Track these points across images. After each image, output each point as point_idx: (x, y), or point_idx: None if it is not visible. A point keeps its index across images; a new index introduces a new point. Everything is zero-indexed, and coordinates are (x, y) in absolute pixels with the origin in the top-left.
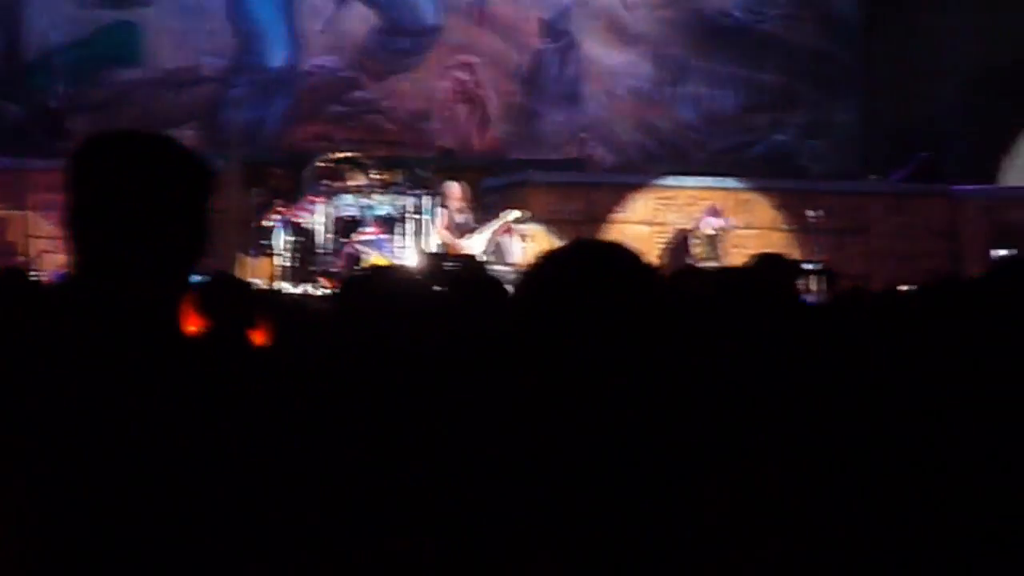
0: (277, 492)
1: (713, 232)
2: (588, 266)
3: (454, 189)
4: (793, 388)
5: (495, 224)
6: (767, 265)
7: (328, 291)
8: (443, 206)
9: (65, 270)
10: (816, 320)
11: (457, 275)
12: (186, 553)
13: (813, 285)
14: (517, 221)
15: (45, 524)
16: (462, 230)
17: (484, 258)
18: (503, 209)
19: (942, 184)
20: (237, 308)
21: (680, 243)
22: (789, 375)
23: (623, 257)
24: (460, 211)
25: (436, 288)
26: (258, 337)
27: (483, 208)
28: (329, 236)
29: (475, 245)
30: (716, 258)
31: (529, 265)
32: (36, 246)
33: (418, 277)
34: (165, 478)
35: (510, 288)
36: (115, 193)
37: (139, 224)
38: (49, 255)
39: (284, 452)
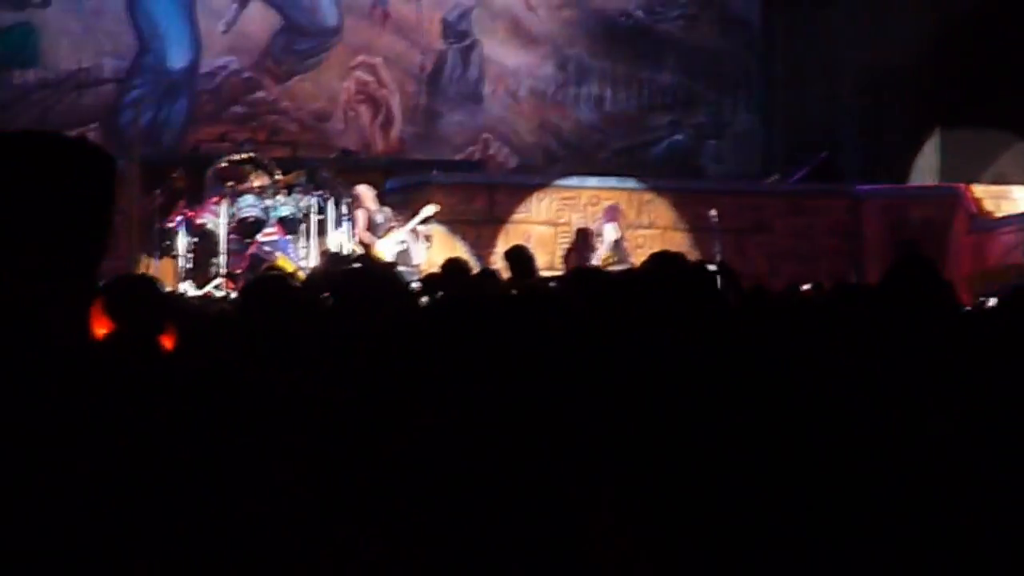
0: (191, 497)
1: (616, 237)
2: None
3: (366, 190)
4: (697, 387)
5: (415, 220)
6: (662, 264)
7: (230, 293)
8: (358, 208)
9: None
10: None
11: (357, 272)
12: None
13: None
14: (432, 217)
15: None
16: (380, 230)
17: (391, 258)
18: (410, 208)
19: (842, 184)
20: (147, 311)
21: (582, 243)
22: (689, 375)
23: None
24: (374, 212)
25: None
26: (167, 341)
27: (387, 208)
28: (232, 237)
29: (388, 244)
30: (623, 260)
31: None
32: None
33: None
34: (71, 482)
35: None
36: (15, 193)
37: (40, 224)
38: None
39: (201, 460)
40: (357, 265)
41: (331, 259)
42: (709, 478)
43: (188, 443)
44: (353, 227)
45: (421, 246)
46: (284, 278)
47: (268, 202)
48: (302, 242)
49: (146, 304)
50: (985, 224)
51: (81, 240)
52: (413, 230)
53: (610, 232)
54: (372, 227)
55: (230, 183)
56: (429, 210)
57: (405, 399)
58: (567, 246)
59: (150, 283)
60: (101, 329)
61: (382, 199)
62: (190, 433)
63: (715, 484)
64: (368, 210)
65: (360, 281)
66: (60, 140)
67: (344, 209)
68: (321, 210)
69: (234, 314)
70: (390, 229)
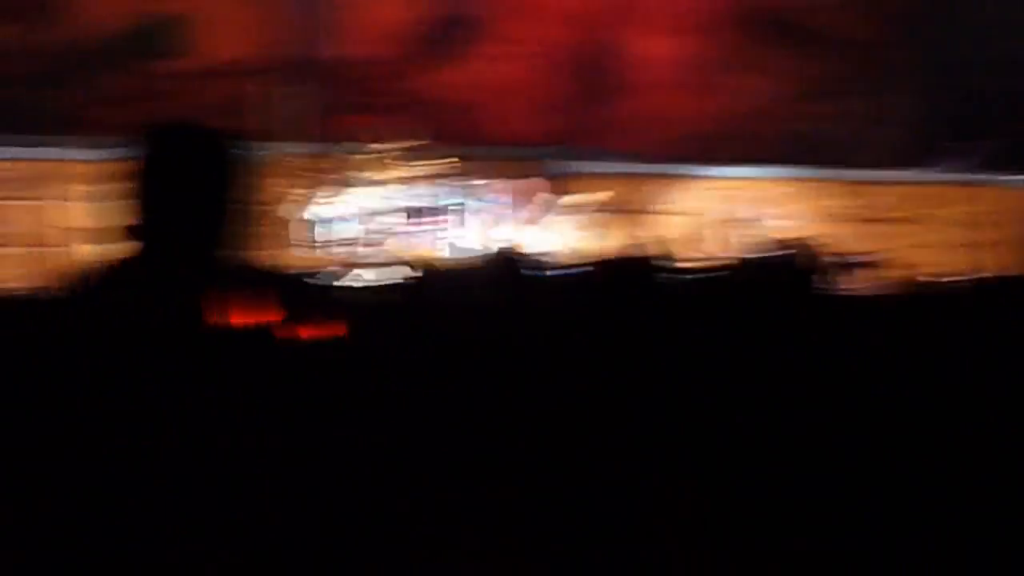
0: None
1: (770, 226)
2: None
3: (521, 183)
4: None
5: (564, 210)
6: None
7: (373, 283)
8: (502, 200)
9: (103, 262)
10: (850, 312)
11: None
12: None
13: (862, 275)
14: (579, 204)
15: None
16: (523, 221)
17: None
18: (558, 198)
19: (999, 173)
20: (286, 302)
21: (736, 233)
22: (810, 370)
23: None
24: (533, 200)
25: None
26: (307, 331)
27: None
28: (376, 226)
29: (533, 236)
30: None
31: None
32: (72, 237)
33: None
34: (205, 466)
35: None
36: (163, 183)
37: (188, 212)
38: (84, 247)
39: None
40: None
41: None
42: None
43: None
44: (498, 219)
45: (574, 234)
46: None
47: (414, 191)
48: (445, 233)
49: (280, 293)
50: None
51: (228, 227)
52: (559, 220)
53: (766, 219)
54: (523, 218)
55: (374, 173)
56: (579, 199)
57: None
58: (718, 235)
59: (288, 275)
60: (238, 318)
61: (528, 189)
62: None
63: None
64: (526, 200)
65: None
66: (207, 130)
67: (492, 198)
68: (467, 200)
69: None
70: (541, 220)
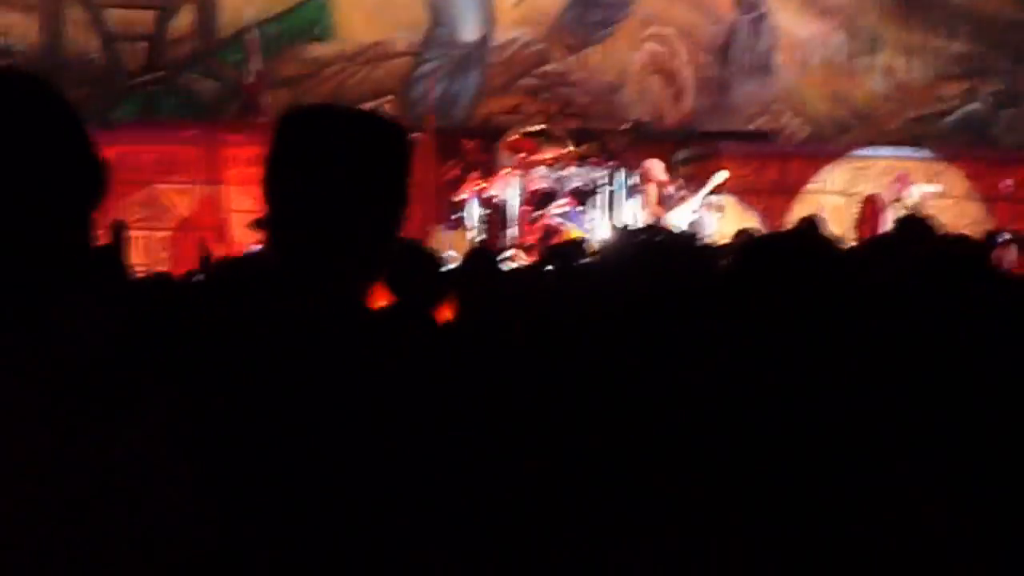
0: (457, 470)
1: (917, 200)
2: (785, 258)
3: (655, 164)
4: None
5: (705, 189)
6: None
7: (523, 264)
8: (648, 182)
9: (260, 245)
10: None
11: (656, 244)
12: (359, 530)
13: (1010, 256)
14: (723, 185)
15: (225, 506)
16: (671, 203)
17: (685, 230)
18: (701, 179)
19: None
20: (425, 284)
21: (875, 213)
22: (993, 355)
23: (814, 249)
24: (665, 184)
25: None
26: (443, 313)
27: (679, 180)
28: (523, 209)
29: (680, 216)
30: None
31: (730, 251)
32: (235, 221)
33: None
34: (344, 458)
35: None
36: (315, 166)
37: (339, 197)
38: (248, 230)
39: (461, 434)
40: (655, 236)
41: (625, 233)
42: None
43: (455, 415)
44: (643, 200)
45: (713, 216)
46: (583, 247)
47: (560, 173)
48: (593, 214)
49: (424, 276)
50: None
51: (380, 211)
52: (705, 201)
53: (909, 196)
54: (663, 200)
55: (522, 155)
56: (719, 177)
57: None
58: (857, 215)
59: (429, 255)
60: (381, 301)
61: (672, 171)
62: (456, 403)
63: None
64: (659, 183)
65: (659, 250)
66: (357, 114)
67: (636, 180)
68: (612, 182)
69: (526, 284)
70: (681, 199)
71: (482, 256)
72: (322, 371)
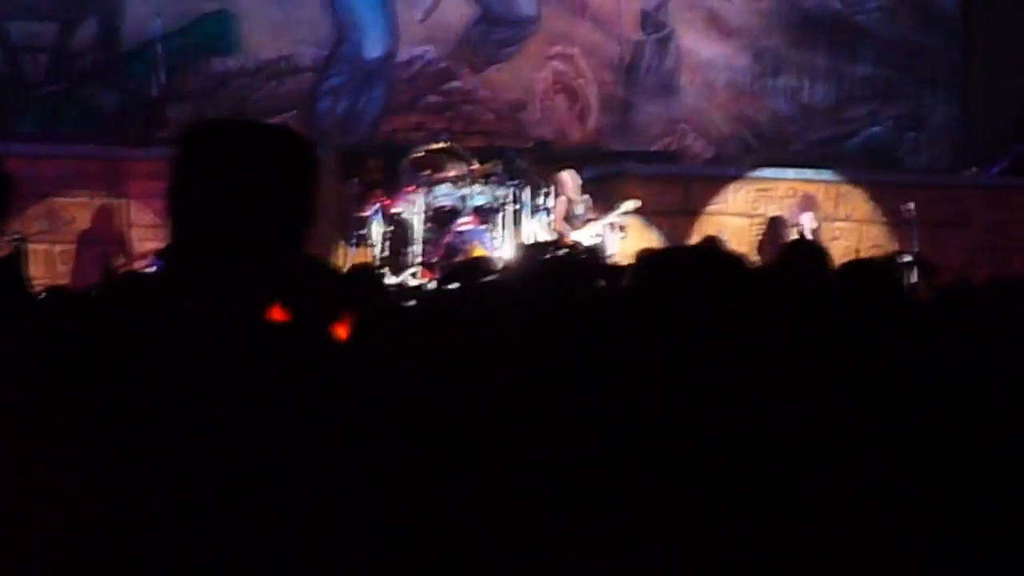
0: (346, 485)
1: (813, 228)
2: (689, 271)
3: (569, 179)
4: (899, 388)
5: (613, 215)
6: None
7: (425, 282)
8: (559, 195)
9: (161, 259)
10: (921, 315)
11: (559, 262)
12: (257, 543)
13: (911, 278)
14: (634, 211)
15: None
16: (578, 221)
17: (590, 247)
18: (609, 200)
19: None
20: (323, 299)
21: (777, 235)
22: (898, 374)
23: (723, 261)
24: (575, 202)
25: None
26: (341, 330)
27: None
28: (427, 226)
29: (584, 236)
30: None
31: (632, 268)
32: (136, 235)
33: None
34: (238, 469)
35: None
36: (219, 180)
37: (242, 211)
38: (149, 243)
39: (360, 448)
40: (558, 252)
41: (531, 248)
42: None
43: (350, 426)
44: (549, 215)
45: (616, 236)
46: (486, 265)
47: (464, 191)
48: (497, 231)
49: (320, 292)
50: None
51: (283, 226)
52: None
53: (808, 221)
54: (569, 217)
55: (426, 172)
56: (630, 205)
57: (612, 393)
58: (760, 237)
59: (330, 271)
60: (278, 315)
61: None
62: (353, 415)
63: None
64: (569, 199)
65: (562, 269)
66: (263, 128)
67: (540, 199)
68: (516, 199)
69: (425, 304)
70: (588, 221)
71: (364, 274)
72: (217, 382)
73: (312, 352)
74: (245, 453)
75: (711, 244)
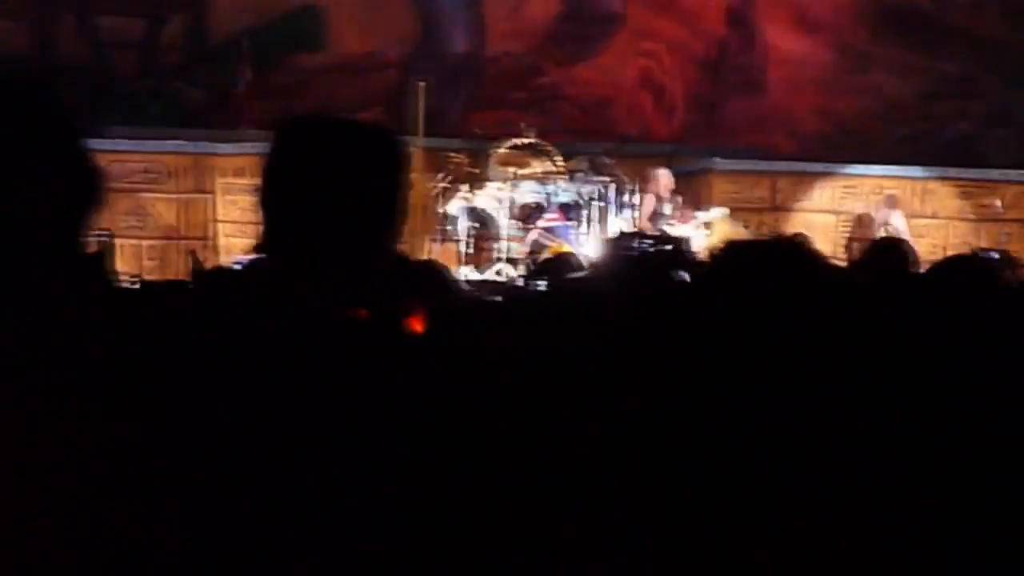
0: (417, 480)
1: (902, 227)
2: (769, 264)
3: (663, 177)
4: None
5: (699, 219)
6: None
7: (511, 278)
8: (647, 192)
9: (250, 255)
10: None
11: (645, 255)
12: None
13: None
14: (721, 219)
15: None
16: (663, 221)
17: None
18: (696, 197)
19: None
20: (394, 294)
21: (865, 232)
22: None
23: (804, 255)
24: (664, 200)
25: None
26: (416, 324)
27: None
28: (512, 223)
29: (676, 232)
30: None
31: (710, 258)
32: (221, 231)
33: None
34: (317, 466)
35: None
36: (312, 176)
37: (336, 207)
38: (234, 240)
39: (426, 446)
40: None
41: (616, 239)
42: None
43: (432, 421)
44: (636, 211)
45: (700, 234)
46: (573, 261)
47: (549, 188)
48: (582, 228)
49: (394, 287)
50: None
51: (376, 221)
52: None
53: (898, 219)
54: (656, 216)
55: (511, 168)
56: (716, 212)
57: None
58: (848, 234)
59: (406, 265)
60: (363, 312)
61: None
62: (417, 416)
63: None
64: (659, 196)
65: (647, 262)
66: (353, 124)
67: (626, 197)
68: (602, 197)
69: (510, 301)
70: (672, 219)
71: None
72: (309, 380)
73: (385, 347)
74: (320, 450)
75: (791, 239)
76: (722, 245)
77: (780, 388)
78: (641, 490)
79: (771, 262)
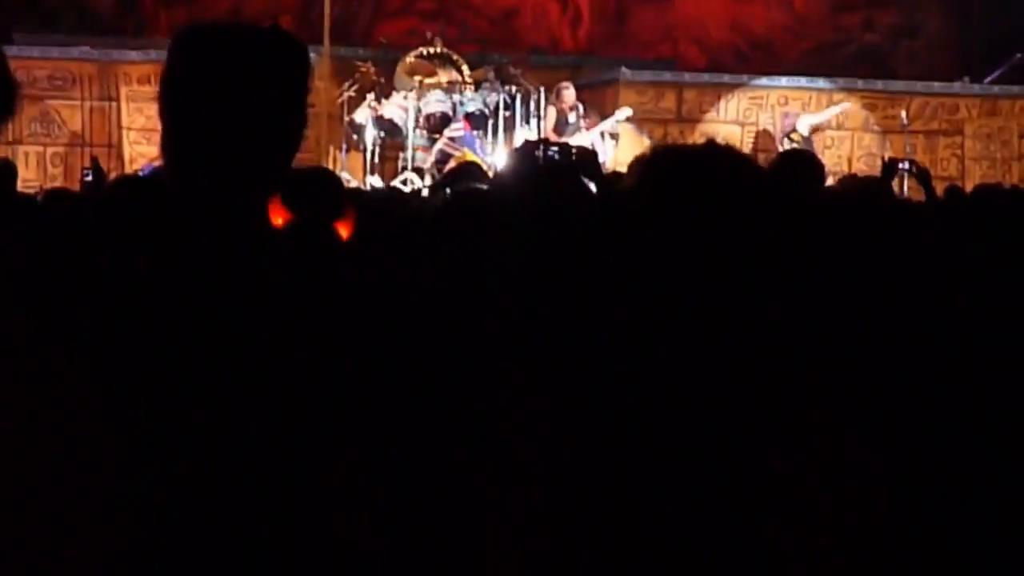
0: (354, 386)
1: (808, 133)
2: (692, 171)
3: (569, 90)
4: (898, 302)
5: (607, 123)
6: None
7: (417, 187)
8: (553, 104)
9: (156, 163)
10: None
11: (550, 162)
12: (264, 455)
13: (904, 185)
14: (627, 120)
15: (129, 419)
16: (568, 130)
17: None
18: (602, 108)
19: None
20: (323, 201)
21: (769, 145)
22: (895, 287)
23: (727, 160)
24: (570, 110)
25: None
26: (343, 230)
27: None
28: (418, 132)
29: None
30: None
31: (631, 169)
32: (127, 138)
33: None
34: (248, 373)
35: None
36: (214, 84)
37: (238, 115)
38: (139, 147)
39: (364, 348)
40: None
41: (521, 148)
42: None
43: (353, 327)
44: (540, 123)
45: (608, 144)
46: (478, 171)
47: (456, 98)
48: (488, 138)
49: (321, 194)
50: None
51: (279, 129)
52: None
53: (804, 126)
54: (559, 126)
55: (418, 77)
56: (622, 114)
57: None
58: (751, 146)
59: (326, 173)
60: (278, 219)
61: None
62: (355, 316)
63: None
64: (563, 110)
65: (553, 169)
66: (257, 32)
67: (532, 107)
68: (508, 107)
69: (423, 209)
70: (577, 131)
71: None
72: (226, 286)
73: (317, 252)
74: (256, 359)
75: (721, 145)
76: (653, 152)
77: (737, 297)
78: (557, 419)
79: (709, 170)
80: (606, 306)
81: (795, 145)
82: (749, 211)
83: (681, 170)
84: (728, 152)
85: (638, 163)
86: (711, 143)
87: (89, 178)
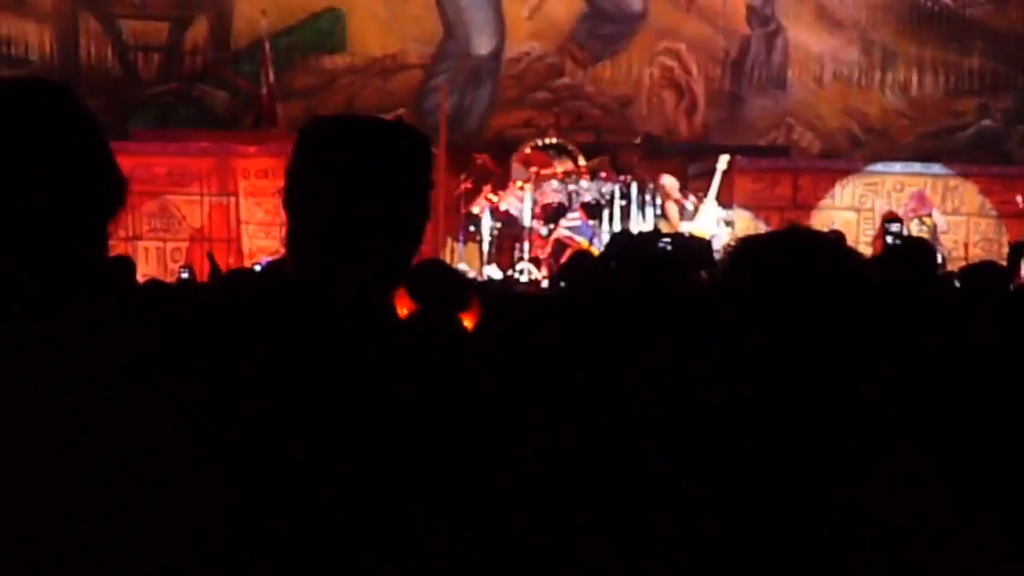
0: (486, 468)
1: (939, 223)
2: (793, 253)
3: (671, 183)
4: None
5: (715, 182)
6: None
7: (535, 278)
8: (667, 200)
9: (277, 256)
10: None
11: (661, 253)
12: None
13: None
14: (728, 171)
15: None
16: (689, 216)
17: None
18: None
19: None
20: (446, 291)
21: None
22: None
23: (828, 245)
24: (680, 201)
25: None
26: (468, 320)
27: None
28: (535, 223)
29: (704, 224)
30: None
31: (732, 248)
32: (247, 232)
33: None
34: (380, 462)
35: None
36: (339, 176)
37: (366, 207)
38: (259, 242)
39: (497, 432)
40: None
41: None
42: None
43: (485, 415)
44: (656, 211)
45: (724, 231)
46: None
47: (571, 187)
48: (605, 228)
49: (445, 284)
50: None
51: (402, 220)
52: (716, 217)
53: (939, 219)
54: (683, 215)
55: (534, 168)
56: (723, 161)
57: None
58: (873, 232)
59: (445, 266)
60: (403, 309)
61: (685, 184)
62: (485, 404)
63: None
64: (678, 201)
65: (664, 261)
66: (379, 124)
67: (648, 195)
68: (624, 196)
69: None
70: (697, 209)
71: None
72: (357, 376)
73: (445, 341)
74: (389, 448)
75: (804, 230)
76: (737, 242)
77: (804, 385)
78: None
79: (785, 258)
80: (719, 386)
81: (924, 229)
82: (835, 293)
83: (760, 261)
84: (808, 236)
85: (726, 254)
86: (793, 228)
87: (186, 275)
